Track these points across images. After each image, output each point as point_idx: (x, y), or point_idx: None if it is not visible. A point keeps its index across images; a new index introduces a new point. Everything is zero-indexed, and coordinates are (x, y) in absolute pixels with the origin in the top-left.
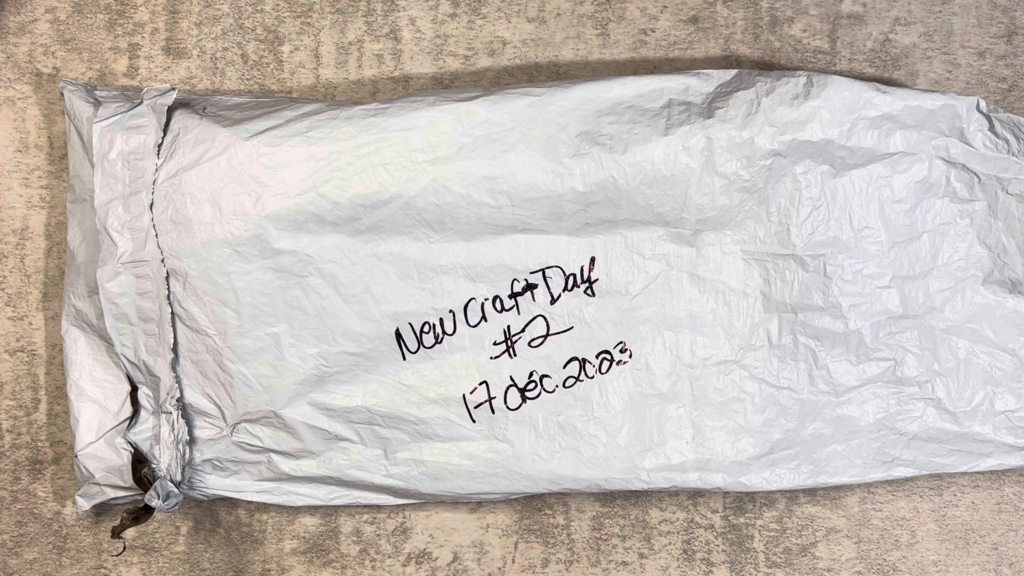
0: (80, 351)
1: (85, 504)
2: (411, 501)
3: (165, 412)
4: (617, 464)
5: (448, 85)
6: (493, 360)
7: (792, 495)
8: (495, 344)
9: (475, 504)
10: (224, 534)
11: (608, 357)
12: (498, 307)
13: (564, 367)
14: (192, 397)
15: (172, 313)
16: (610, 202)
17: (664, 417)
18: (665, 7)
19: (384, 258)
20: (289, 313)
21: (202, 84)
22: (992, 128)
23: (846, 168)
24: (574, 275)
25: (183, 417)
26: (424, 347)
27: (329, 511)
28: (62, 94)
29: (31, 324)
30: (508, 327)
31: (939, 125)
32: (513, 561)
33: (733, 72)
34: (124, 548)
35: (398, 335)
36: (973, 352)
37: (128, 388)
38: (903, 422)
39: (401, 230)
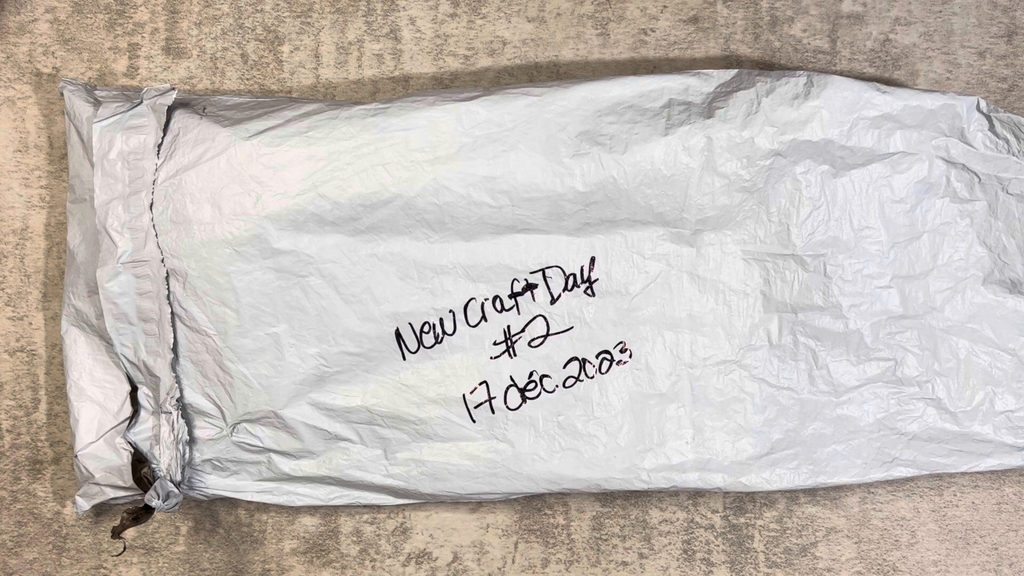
0: (80, 351)
1: (85, 504)
2: (411, 501)
3: (165, 412)
4: (617, 464)
5: (448, 85)
6: (493, 360)
7: (792, 495)
8: (495, 344)
9: (475, 504)
10: (224, 534)
11: (608, 357)
12: (498, 307)
13: (564, 367)
14: (192, 397)
15: (172, 313)
16: (610, 202)
17: (664, 417)
18: (665, 7)
19: (384, 258)
20: (289, 313)
21: (202, 84)
22: (992, 128)
23: (846, 168)
24: (574, 275)
25: (183, 417)
26: (424, 347)
27: (329, 511)
28: (62, 94)
29: (31, 324)
30: (508, 327)
31: (939, 125)
32: (513, 561)
33: (733, 72)
34: (124, 548)
35: (398, 335)
36: (973, 352)
37: (128, 388)
38: (903, 422)
39: (401, 230)
